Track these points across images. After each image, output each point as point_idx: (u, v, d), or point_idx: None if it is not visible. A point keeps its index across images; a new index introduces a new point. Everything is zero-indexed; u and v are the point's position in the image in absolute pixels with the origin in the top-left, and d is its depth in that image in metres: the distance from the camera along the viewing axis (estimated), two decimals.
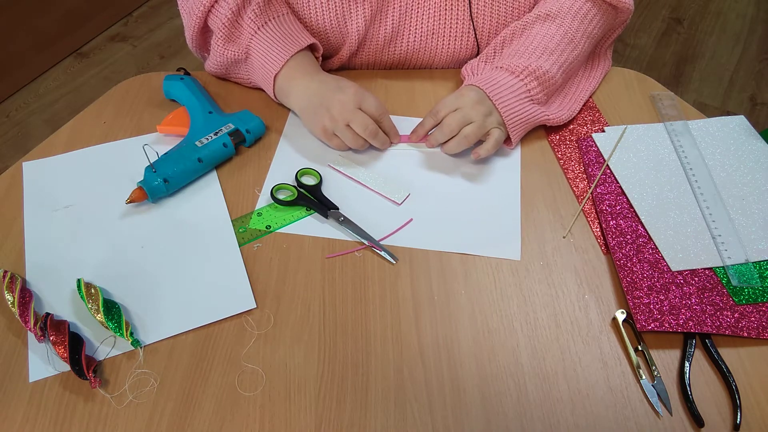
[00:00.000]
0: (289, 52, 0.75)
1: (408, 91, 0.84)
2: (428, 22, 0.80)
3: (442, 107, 0.73)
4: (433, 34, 0.81)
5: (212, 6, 0.75)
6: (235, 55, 0.78)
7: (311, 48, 0.80)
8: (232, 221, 0.69)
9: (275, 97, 0.79)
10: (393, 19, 0.80)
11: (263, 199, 0.71)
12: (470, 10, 0.79)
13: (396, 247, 0.66)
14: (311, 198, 0.70)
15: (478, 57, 0.82)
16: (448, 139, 0.72)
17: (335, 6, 0.78)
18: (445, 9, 0.80)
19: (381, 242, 0.66)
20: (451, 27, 0.81)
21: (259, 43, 0.76)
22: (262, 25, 0.75)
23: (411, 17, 0.80)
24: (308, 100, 0.75)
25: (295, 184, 0.72)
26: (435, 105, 0.74)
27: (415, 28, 0.81)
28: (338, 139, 0.74)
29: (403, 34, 0.82)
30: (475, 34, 0.81)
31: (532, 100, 0.74)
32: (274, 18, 0.76)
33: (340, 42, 0.82)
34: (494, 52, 0.81)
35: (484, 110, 0.72)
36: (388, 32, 0.81)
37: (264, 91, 0.81)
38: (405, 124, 0.78)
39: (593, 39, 0.80)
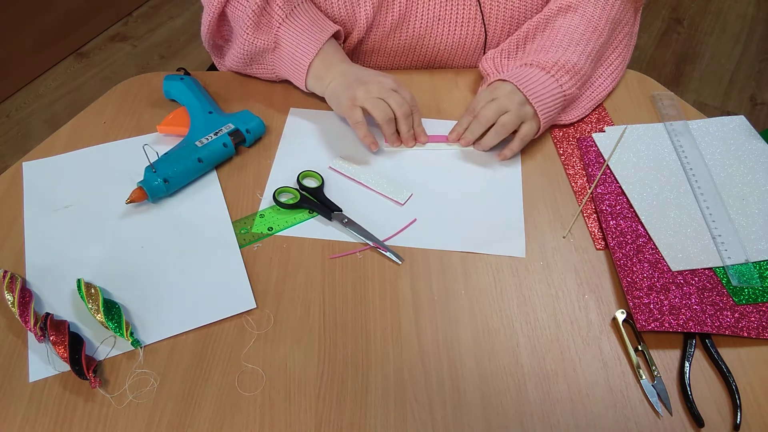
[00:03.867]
0: (321, 38, 0.75)
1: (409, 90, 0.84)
2: (435, 7, 0.80)
3: (477, 102, 0.74)
4: (439, 19, 0.81)
5: None
6: (264, 44, 0.77)
7: (334, 36, 0.79)
8: (234, 223, 0.68)
9: (305, 86, 0.78)
10: (400, 4, 0.79)
11: (265, 202, 0.71)
12: None
13: (398, 247, 0.66)
14: (314, 200, 0.70)
15: (498, 51, 0.81)
16: (483, 135, 0.73)
17: None
18: None
19: (385, 242, 0.66)
20: (458, 13, 0.80)
21: (287, 31, 0.76)
22: (290, 12, 0.75)
23: (418, 2, 0.80)
24: (344, 78, 0.74)
25: (297, 187, 0.72)
26: (470, 103, 0.75)
27: (422, 14, 0.80)
28: (360, 111, 0.72)
29: (410, 20, 0.81)
30: (483, 19, 0.81)
31: (564, 95, 0.74)
32: (299, 5, 0.76)
33: (349, 28, 0.82)
34: (516, 47, 0.81)
35: (518, 99, 0.72)
36: (395, 17, 0.80)
37: (278, 84, 0.80)
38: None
39: (616, 23, 0.81)
